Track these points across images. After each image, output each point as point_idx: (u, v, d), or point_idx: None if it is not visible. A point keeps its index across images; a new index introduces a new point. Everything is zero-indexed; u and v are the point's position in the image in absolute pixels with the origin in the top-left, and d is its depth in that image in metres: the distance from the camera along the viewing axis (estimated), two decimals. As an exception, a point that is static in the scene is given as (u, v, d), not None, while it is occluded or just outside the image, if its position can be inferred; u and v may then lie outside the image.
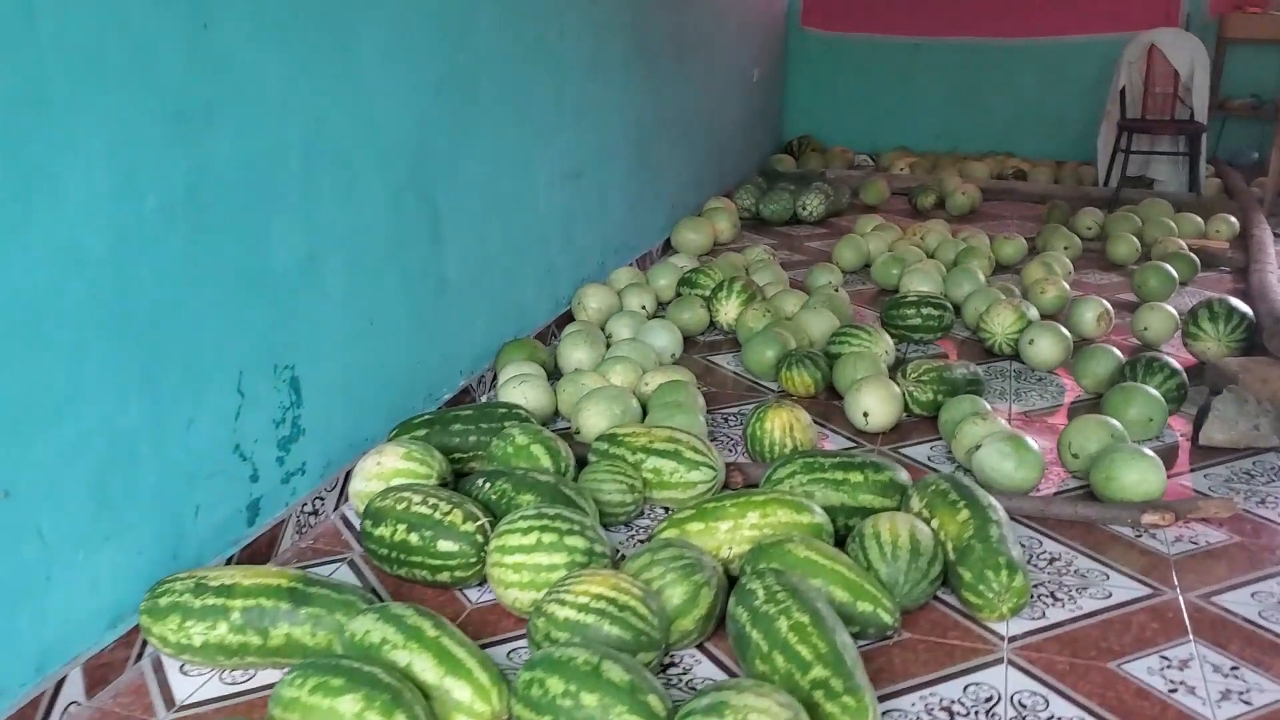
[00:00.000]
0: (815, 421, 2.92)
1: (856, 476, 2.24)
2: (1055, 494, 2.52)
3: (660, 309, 3.79)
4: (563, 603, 1.75)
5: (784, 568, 1.92)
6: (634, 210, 4.35)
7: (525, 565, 1.91)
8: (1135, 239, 4.62)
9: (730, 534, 2.07)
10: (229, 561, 2.05)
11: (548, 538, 1.92)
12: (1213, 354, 3.32)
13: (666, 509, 2.41)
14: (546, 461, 2.31)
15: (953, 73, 7.07)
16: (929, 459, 2.72)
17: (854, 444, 2.81)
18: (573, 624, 1.72)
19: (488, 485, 2.18)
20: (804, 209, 5.38)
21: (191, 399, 1.93)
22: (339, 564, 2.19)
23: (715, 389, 3.19)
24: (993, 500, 2.12)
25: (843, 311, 3.54)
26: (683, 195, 5.05)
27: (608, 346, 3.27)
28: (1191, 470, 2.66)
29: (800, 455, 2.31)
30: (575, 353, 3.15)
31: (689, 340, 3.62)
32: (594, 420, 2.65)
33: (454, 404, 2.87)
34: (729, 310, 3.61)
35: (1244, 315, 3.30)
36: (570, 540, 1.92)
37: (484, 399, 3.02)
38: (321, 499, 2.34)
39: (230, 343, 2.01)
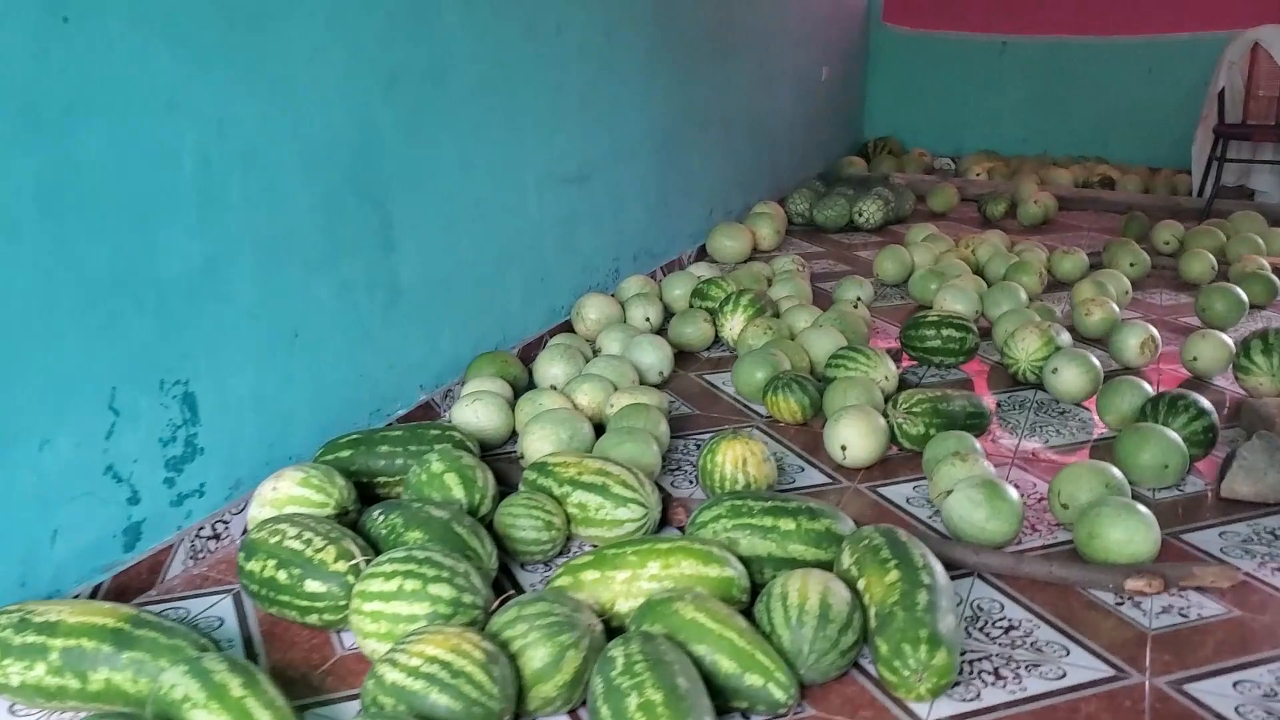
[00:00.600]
0: (799, 453, 2.70)
1: (788, 524, 2.01)
2: (1041, 550, 2.24)
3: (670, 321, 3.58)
4: (394, 664, 1.57)
5: (670, 629, 1.71)
6: (658, 214, 4.15)
7: (384, 614, 1.73)
8: (1211, 256, 4.22)
9: (627, 585, 1.86)
10: (96, 591, 1.93)
11: (410, 585, 1.74)
12: (1265, 390, 2.98)
13: (596, 547, 2.22)
14: (459, 492, 2.13)
15: (1042, 72, 6.68)
16: (908, 501, 2.46)
17: (831, 480, 2.56)
18: (399, 689, 1.54)
19: (381, 518, 2.02)
20: (860, 215, 5.10)
21: (45, 417, 1.80)
22: (224, 596, 2.05)
23: (701, 412, 2.97)
24: (931, 560, 1.87)
25: (855, 330, 3.28)
26: (725, 199, 4.83)
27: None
28: (1208, 526, 2.34)
29: (730, 496, 2.08)
30: (551, 368, 2.97)
31: (691, 357, 3.41)
32: (538, 445, 2.46)
33: (409, 420, 2.72)
34: (734, 325, 3.38)
35: (1304, 348, 2.95)
36: (435, 589, 1.74)
37: (447, 415, 2.86)
38: (225, 522, 2.20)
39: (99, 357, 1.89)
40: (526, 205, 3.21)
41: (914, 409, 2.64)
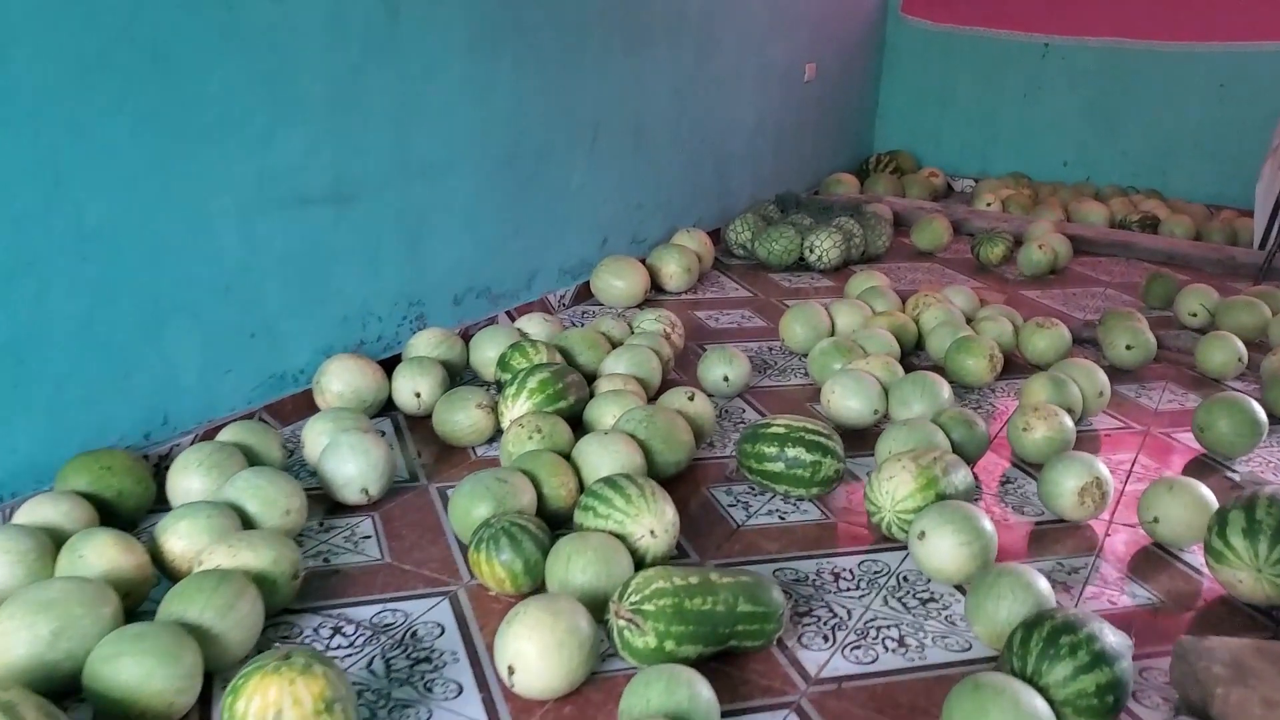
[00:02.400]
0: (478, 659, 1.76)
1: None
2: None
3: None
4: None
5: None
6: (504, 244, 3.22)
7: None
8: (1238, 344, 3.13)
9: None
10: None
11: None
12: (1245, 590, 1.95)
13: None
14: None
15: (1091, 83, 5.54)
16: (584, 778, 1.50)
17: None
18: None
19: None
20: (811, 252, 4.08)
21: None
22: None
23: (397, 561, 2.04)
24: None
25: (668, 439, 2.31)
26: (634, 224, 3.87)
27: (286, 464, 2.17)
28: None
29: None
30: (186, 480, 2.07)
31: (459, 455, 2.48)
32: (5, 644, 1.56)
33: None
34: (513, 416, 2.44)
35: (1310, 532, 1.90)
36: None
37: None
38: None
39: None
40: (217, 236, 2.31)
41: (644, 605, 1.67)
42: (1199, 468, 2.59)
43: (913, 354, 3.21)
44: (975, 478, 2.46)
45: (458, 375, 2.82)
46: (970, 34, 5.74)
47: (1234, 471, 2.56)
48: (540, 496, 2.10)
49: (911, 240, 4.51)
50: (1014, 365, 3.18)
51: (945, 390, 2.64)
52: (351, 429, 2.23)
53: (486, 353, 2.82)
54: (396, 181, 2.76)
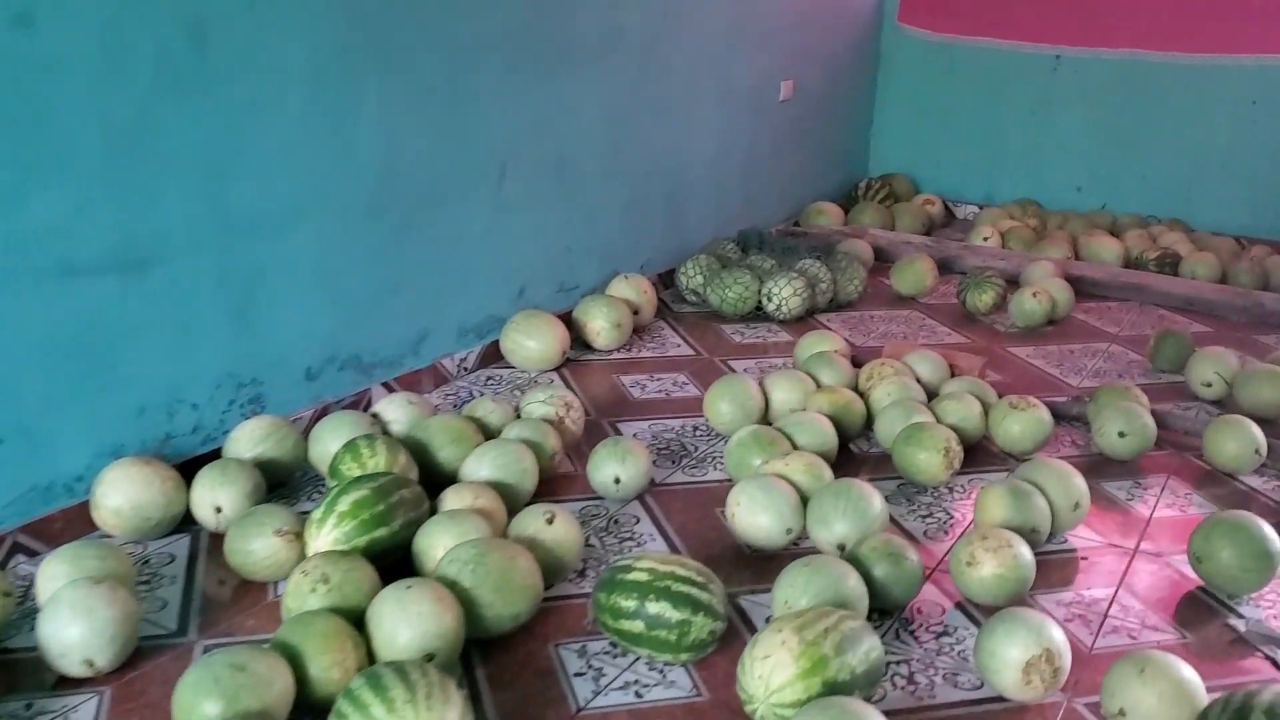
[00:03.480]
0: None
1: None
2: None
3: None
4: None
5: None
6: (377, 303, 2.73)
7: None
8: (1255, 432, 2.57)
9: None
10: None
11: None
12: (1235, 841, 1.40)
13: None
14: None
15: (1108, 99, 4.96)
16: None
17: None
18: None
19: None
20: (769, 300, 3.56)
21: None
22: None
23: (108, 760, 1.55)
24: None
25: (506, 586, 1.80)
26: (562, 271, 3.37)
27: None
28: None
29: None
30: None
31: (256, 593, 1.99)
32: None
33: None
34: (315, 547, 1.94)
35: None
36: None
37: None
38: None
39: None
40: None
41: None
42: (1194, 608, 2.06)
43: (860, 437, 2.69)
44: (908, 621, 1.95)
45: (291, 476, 2.34)
46: (974, 45, 5.18)
47: (1239, 617, 2.02)
48: (305, 679, 1.60)
49: (891, 282, 3.96)
50: (984, 452, 2.66)
51: (875, 504, 2.11)
52: (84, 578, 1.74)
53: (327, 446, 2.33)
54: (213, 239, 2.27)
